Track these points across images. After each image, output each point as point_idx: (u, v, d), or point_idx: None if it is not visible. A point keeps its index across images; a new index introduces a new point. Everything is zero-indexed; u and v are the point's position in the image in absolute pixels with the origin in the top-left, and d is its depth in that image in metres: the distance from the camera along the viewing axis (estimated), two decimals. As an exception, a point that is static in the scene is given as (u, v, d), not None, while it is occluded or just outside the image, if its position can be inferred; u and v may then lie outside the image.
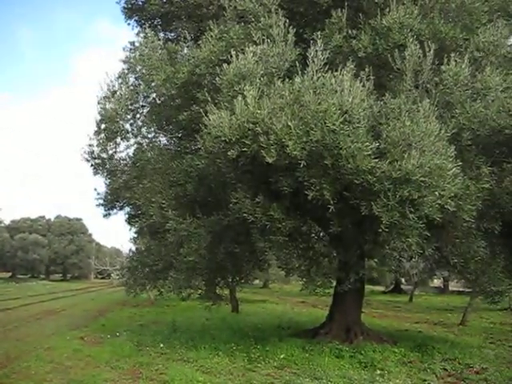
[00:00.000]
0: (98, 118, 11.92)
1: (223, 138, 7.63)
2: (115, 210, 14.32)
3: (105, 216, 14.35)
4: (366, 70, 7.96)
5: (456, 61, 8.12)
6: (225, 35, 9.13)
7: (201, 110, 8.37)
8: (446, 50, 8.71)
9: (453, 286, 41.72)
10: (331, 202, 7.60)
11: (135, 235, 16.15)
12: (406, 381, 8.59)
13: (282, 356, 9.85)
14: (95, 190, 14.24)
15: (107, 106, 11.44)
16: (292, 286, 34.69)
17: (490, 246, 9.48)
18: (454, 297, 35.08)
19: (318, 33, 8.20)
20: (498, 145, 8.74)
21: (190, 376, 8.12)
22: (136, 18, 12.37)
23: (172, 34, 12.38)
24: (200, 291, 11.48)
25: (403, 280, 41.49)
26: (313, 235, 10.93)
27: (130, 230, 15.44)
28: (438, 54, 8.39)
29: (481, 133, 8.21)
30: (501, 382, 8.81)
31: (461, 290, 34.56)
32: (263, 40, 8.30)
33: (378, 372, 9.05)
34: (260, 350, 10.25)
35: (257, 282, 35.39)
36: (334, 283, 10.78)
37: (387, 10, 8.59)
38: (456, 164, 7.43)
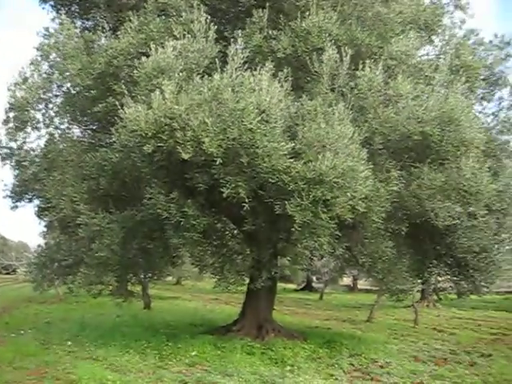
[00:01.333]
0: (7, 105, 11.32)
1: (139, 132, 7.51)
2: (23, 203, 13.65)
3: (12, 208, 13.66)
4: (285, 70, 8.08)
5: (371, 67, 8.47)
6: (145, 27, 8.99)
7: (117, 103, 8.16)
8: (361, 56, 9.04)
9: (361, 284, 43.43)
10: (246, 200, 7.67)
11: (45, 229, 15.56)
12: (314, 376, 8.86)
13: (193, 353, 9.85)
14: (2, 180, 13.57)
15: (17, 94, 10.88)
16: (205, 283, 34.60)
17: (396, 246, 9.95)
18: (363, 295, 36.62)
19: (239, 31, 8.31)
20: (407, 150, 9.16)
21: (99, 375, 7.90)
22: (52, 2, 11.87)
23: (90, 23, 11.95)
24: (111, 287, 11.22)
25: (314, 278, 42.62)
26: (227, 233, 10.96)
27: (40, 223, 14.87)
28: (354, 59, 8.69)
29: (391, 138, 8.60)
30: (402, 375, 9.32)
31: (369, 288, 36.09)
32: (184, 35, 8.24)
33: (288, 368, 9.28)
34: (172, 348, 10.19)
35: (170, 278, 35.07)
36: (247, 281, 10.91)
37: (307, 13, 8.82)
38: (368, 167, 7.74)
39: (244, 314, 12.03)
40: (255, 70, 7.71)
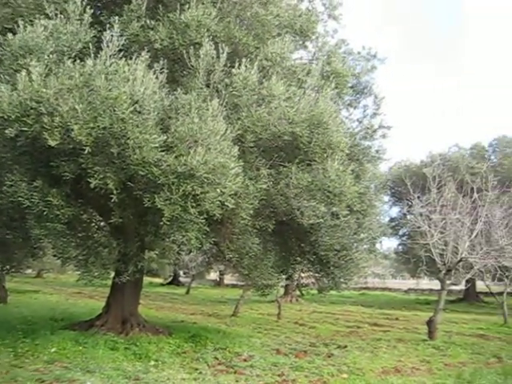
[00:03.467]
0: None
1: (1, 115, 7.13)
2: None
3: None
4: (161, 62, 8.15)
5: (246, 66, 8.77)
6: (12, 1, 8.52)
7: (-24, 81, 7.69)
8: (238, 54, 9.35)
9: (228, 279, 44.43)
10: (114, 192, 7.63)
11: None
12: (179, 370, 9.06)
13: (53, 350, 9.57)
14: None
15: None
16: (68, 276, 33.33)
17: (263, 242, 10.43)
18: (229, 289, 37.60)
19: (116, 18, 8.15)
20: (278, 149, 9.62)
21: None
22: None
23: None
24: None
25: (182, 272, 42.82)
26: (93, 224, 10.74)
27: None
28: (230, 57, 8.97)
29: (263, 136, 8.97)
30: (265, 368, 9.79)
31: (235, 283, 37.02)
32: (56, 15, 7.96)
33: (152, 363, 9.40)
34: (29, 345, 9.78)
35: (30, 271, 33.29)
36: (113, 274, 10.78)
37: (187, 6, 8.89)
38: (238, 164, 8.02)
39: (108, 309, 11.88)
40: (130, 58, 7.68)
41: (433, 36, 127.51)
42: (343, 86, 11.28)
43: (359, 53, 13.02)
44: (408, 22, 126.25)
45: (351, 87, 12.31)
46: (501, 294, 23.05)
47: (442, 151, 35.86)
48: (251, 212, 8.97)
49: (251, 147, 9.12)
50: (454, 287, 25.47)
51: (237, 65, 8.75)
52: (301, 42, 11.19)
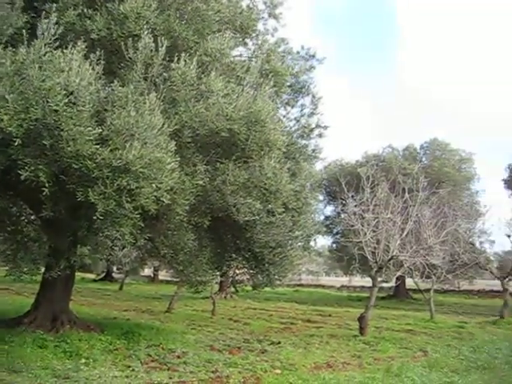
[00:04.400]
0: None
1: None
2: None
3: None
4: (98, 53, 7.98)
5: (185, 61, 8.75)
6: None
7: None
8: (177, 48, 9.31)
9: (162, 275, 44.20)
10: (46, 185, 7.43)
11: None
12: (111, 368, 8.98)
13: (-26, 349, 9.24)
14: None
15: None
16: (-5, 271, 32.16)
17: (198, 239, 10.48)
18: (163, 286, 37.44)
19: (52, 4, 7.95)
20: (215, 145, 9.68)
21: None
22: None
23: None
24: None
25: (115, 268, 42.20)
26: (23, 218, 10.44)
27: None
28: (169, 51, 8.92)
29: (200, 132, 8.99)
30: (198, 364, 9.86)
31: (169, 279, 36.84)
32: (-16, -3, 7.68)
33: (83, 361, 9.26)
34: (-52, 345, 9.42)
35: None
36: (43, 270, 10.53)
37: (126, -4, 8.78)
38: (175, 159, 8.01)
39: (37, 305, 11.58)
40: (66, 48, 7.50)
41: (369, 35, 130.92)
42: (281, 85, 11.46)
43: (298, 52, 13.25)
44: (346, 23, 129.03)
45: (289, 86, 12.50)
46: (428, 290, 24.10)
47: (376, 152, 37.04)
48: (187, 208, 8.99)
49: (188, 143, 9.12)
50: (384, 284, 26.41)
51: (176, 59, 8.70)
52: (241, 39, 11.27)
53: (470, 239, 25.47)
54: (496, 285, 31.85)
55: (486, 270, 26.09)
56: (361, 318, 15.82)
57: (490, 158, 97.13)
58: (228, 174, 9.53)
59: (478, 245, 28.01)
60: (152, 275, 47.67)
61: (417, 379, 9.38)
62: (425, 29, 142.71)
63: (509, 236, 24.19)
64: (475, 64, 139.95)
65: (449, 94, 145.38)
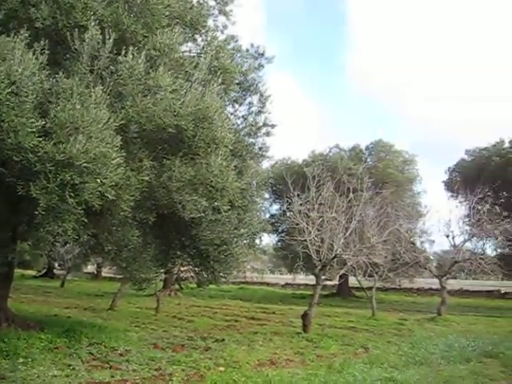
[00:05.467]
0: None
1: None
2: None
3: None
4: (42, 42, 7.84)
5: (133, 54, 8.66)
6: None
7: None
8: (125, 42, 9.19)
9: (106, 272, 43.54)
10: (-15, 178, 7.23)
11: None
12: (50, 367, 8.81)
13: None
14: None
15: None
16: None
17: (143, 235, 10.38)
18: (106, 283, 36.86)
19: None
20: (162, 141, 9.61)
21: None
22: None
23: None
24: None
25: (56, 265, 41.30)
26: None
27: None
28: (117, 44, 8.80)
29: (147, 128, 8.90)
30: (141, 362, 9.80)
31: (113, 276, 36.38)
32: None
33: (21, 360, 9.05)
34: None
35: None
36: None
37: (72, -14, 8.60)
38: (120, 154, 7.94)
39: (-27, 303, 11.19)
40: (8, 36, 7.31)
41: (319, 35, 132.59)
42: (230, 82, 11.49)
43: (247, 50, 13.29)
44: (297, 23, 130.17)
45: (238, 84, 12.53)
46: (370, 288, 24.73)
47: (323, 151, 37.64)
48: (132, 204, 8.89)
49: (134, 138, 9.04)
50: (328, 282, 26.87)
51: (123, 52, 8.59)
52: (190, 35, 11.22)
53: (411, 239, 26.28)
54: (435, 283, 32.93)
55: (426, 268, 27.00)
56: (304, 316, 16.07)
57: (432, 159, 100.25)
58: (174, 171, 9.48)
59: (418, 244, 28.91)
60: (95, 272, 46.88)
61: (358, 375, 9.62)
62: (374, 32, 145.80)
63: (447, 236, 25.14)
64: (423, 68, 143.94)
65: (397, 95, 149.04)
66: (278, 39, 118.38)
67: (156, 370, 9.37)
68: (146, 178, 9.06)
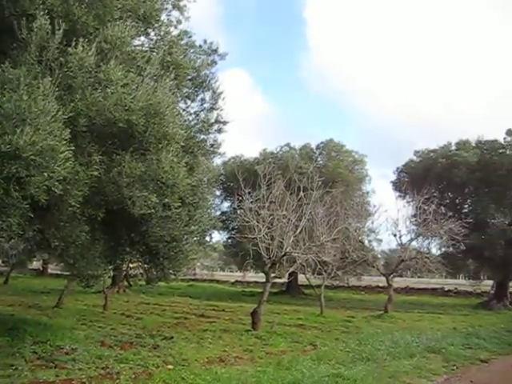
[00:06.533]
0: None
1: None
2: None
3: None
4: (-12, 31, 7.60)
5: (84, 46, 8.47)
6: None
7: None
8: (76, 33, 8.98)
9: (52, 268, 42.74)
10: None
11: None
12: (-9, 367, 8.58)
13: None
14: None
15: None
16: None
17: (91, 231, 10.19)
18: (53, 279, 36.16)
19: None
20: (112, 136, 9.45)
21: None
22: None
23: None
24: None
25: (0, 261, 40.24)
26: None
27: None
28: (67, 35, 8.59)
29: (97, 121, 8.74)
30: (88, 361, 9.66)
31: (59, 272, 35.75)
32: None
33: (-41, 361, 8.76)
34: None
35: None
36: None
37: (21, -27, 8.37)
38: (69, 148, 7.75)
39: None
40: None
41: (276, 33, 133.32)
42: (183, 78, 11.42)
43: (201, 46, 13.20)
44: (253, 21, 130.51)
45: (190, 80, 12.47)
46: (319, 286, 25.15)
47: (274, 150, 37.95)
48: (80, 199, 8.73)
49: (84, 132, 8.86)
50: (277, 280, 27.11)
51: (73, 44, 8.41)
52: (143, 29, 11.05)
53: (360, 237, 26.88)
54: (382, 281, 33.78)
55: (374, 267, 27.67)
56: (254, 313, 16.19)
57: (383, 160, 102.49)
58: (124, 166, 9.36)
59: (366, 243, 29.62)
60: (41, 268, 45.87)
61: (306, 372, 9.80)
62: (331, 33, 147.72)
63: (395, 235, 25.84)
64: (378, 70, 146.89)
65: (351, 96, 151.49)
66: (236, 36, 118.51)
67: (103, 368, 9.28)
68: (96, 173, 8.91)
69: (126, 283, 30.53)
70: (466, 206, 35.40)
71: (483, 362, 12.60)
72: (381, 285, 40.12)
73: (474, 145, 33.63)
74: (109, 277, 24.23)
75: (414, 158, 37.00)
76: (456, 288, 43.69)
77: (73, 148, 7.89)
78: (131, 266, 15.96)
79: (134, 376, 8.88)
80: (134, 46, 10.47)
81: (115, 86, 8.78)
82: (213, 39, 13.42)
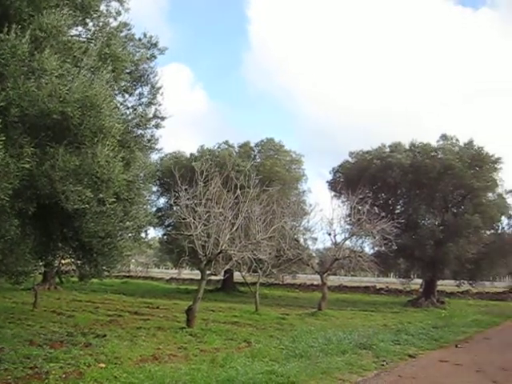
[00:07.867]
0: None
1: None
2: None
3: None
4: None
5: (17, 34, 8.20)
6: None
7: None
8: (9, 19, 8.69)
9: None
10: None
11: None
12: None
13: None
14: None
15: None
16: None
17: (21, 226, 9.85)
18: (-21, 277, 34.51)
19: None
20: (45, 128, 9.18)
21: None
22: None
23: None
24: None
25: None
26: None
27: None
28: (-1, 21, 8.30)
29: (30, 112, 8.48)
30: (15, 361, 9.35)
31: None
32: None
33: None
34: None
35: None
36: None
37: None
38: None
39: None
40: None
41: (220, 30, 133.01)
42: (121, 71, 11.22)
43: (140, 39, 13.00)
44: (198, 17, 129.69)
45: (129, 73, 12.27)
46: (254, 284, 25.36)
47: (212, 147, 37.93)
48: (10, 192, 8.43)
49: (15, 122, 8.56)
50: (213, 277, 27.15)
51: (6, 30, 8.12)
52: (81, 19, 10.77)
53: (295, 236, 27.26)
54: (316, 279, 34.43)
55: (308, 265, 28.16)
56: (188, 311, 16.15)
57: (319, 159, 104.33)
58: (58, 159, 9.09)
59: (302, 241, 30.07)
60: (-37, 265, 43.82)
61: (240, 369, 9.88)
62: (274, 32, 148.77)
63: (329, 234, 26.39)
64: (321, 72, 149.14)
65: (292, 96, 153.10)
66: (179, 31, 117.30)
67: (31, 368, 9.02)
68: (27, 166, 8.62)
69: (57, 280, 29.73)
70: (399, 206, 36.52)
71: (411, 357, 13.09)
72: (315, 283, 40.91)
73: (407, 147, 34.73)
74: (40, 273, 23.56)
75: (349, 159, 37.73)
76: (387, 286, 45.20)
77: (3, 139, 7.63)
78: (63, 262, 15.55)
79: (64, 375, 8.67)
80: (71, 35, 10.21)
81: (50, 76, 8.53)
82: (155, 33, 13.24)
